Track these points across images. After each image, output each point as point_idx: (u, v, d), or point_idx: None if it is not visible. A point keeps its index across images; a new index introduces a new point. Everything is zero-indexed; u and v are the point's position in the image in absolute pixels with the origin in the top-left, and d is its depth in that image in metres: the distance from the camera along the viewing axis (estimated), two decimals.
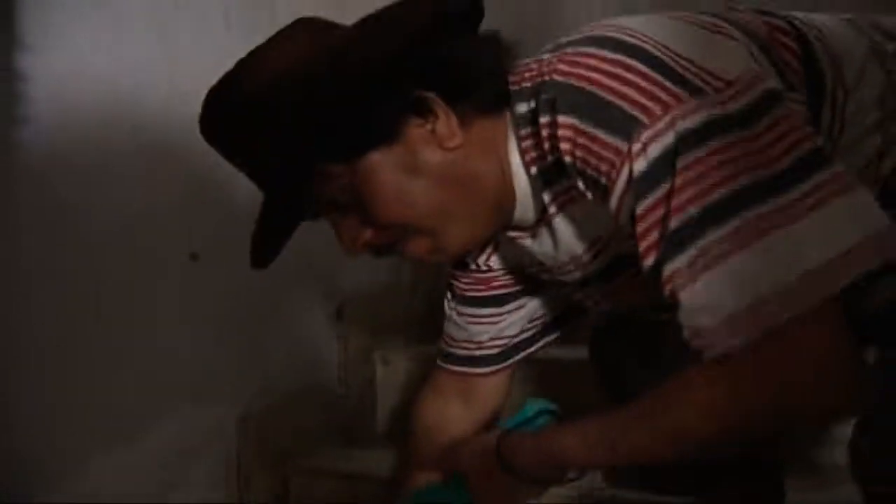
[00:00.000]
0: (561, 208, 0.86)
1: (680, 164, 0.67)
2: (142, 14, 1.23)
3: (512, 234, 0.93)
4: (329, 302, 1.67)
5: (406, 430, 1.18)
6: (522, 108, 0.82)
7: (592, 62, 0.74)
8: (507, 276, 1.05)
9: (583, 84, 0.73)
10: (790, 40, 0.80)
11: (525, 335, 1.09)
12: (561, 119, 0.75)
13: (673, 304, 0.70)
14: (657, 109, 0.69)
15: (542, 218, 0.88)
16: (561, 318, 1.11)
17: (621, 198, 0.72)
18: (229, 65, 0.81)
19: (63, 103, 1.12)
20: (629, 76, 0.71)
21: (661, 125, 0.68)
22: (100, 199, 1.18)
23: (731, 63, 0.72)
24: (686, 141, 0.67)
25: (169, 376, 1.29)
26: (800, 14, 0.85)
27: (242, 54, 0.81)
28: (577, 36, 0.79)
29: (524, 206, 0.88)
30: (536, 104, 0.79)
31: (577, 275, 0.94)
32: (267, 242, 0.87)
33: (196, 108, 0.82)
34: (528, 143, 0.83)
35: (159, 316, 1.28)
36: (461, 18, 0.83)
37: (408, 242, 0.85)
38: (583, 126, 0.73)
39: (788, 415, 0.71)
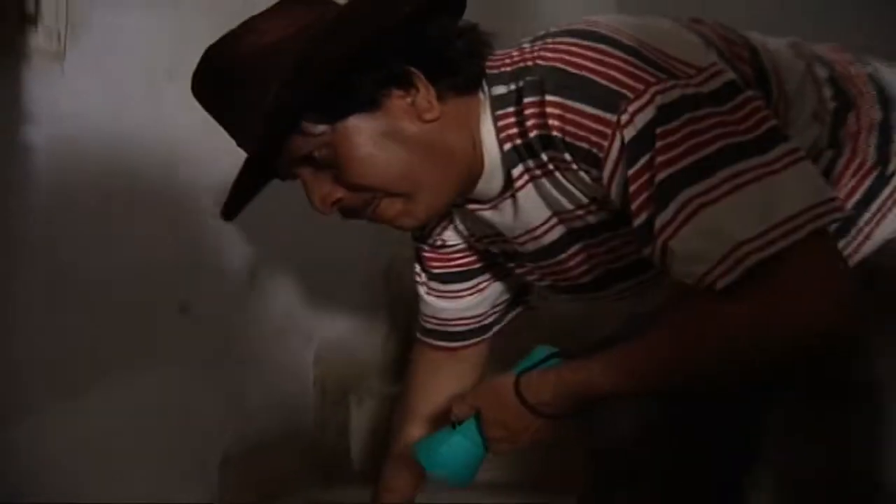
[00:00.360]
0: (530, 182, 0.92)
1: (660, 131, 0.75)
2: (138, 83, 1.30)
3: (471, 206, 0.98)
4: (306, 348, 1.74)
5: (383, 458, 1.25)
6: (501, 90, 0.89)
7: (575, 49, 0.82)
8: (465, 253, 1.12)
9: (567, 67, 0.81)
10: (744, 52, 0.89)
11: (492, 318, 1.17)
12: (549, 98, 0.82)
13: (662, 259, 0.78)
14: (639, 86, 0.77)
15: (507, 191, 0.94)
16: (521, 294, 1.18)
17: (616, 165, 0.79)
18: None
19: (63, 170, 1.20)
20: (610, 60, 0.79)
21: (644, 99, 0.76)
22: (98, 258, 1.25)
23: (698, 56, 0.80)
24: (666, 112, 0.76)
25: (155, 419, 1.34)
26: (752, 33, 0.95)
27: None
28: (556, 29, 0.87)
29: (490, 179, 0.94)
30: (519, 87, 0.86)
31: (529, 247, 0.99)
32: (237, 197, 0.92)
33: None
34: (506, 121, 0.89)
35: (151, 362, 1.35)
36: (447, 6, 0.90)
37: (379, 205, 0.90)
38: (570, 103, 0.80)
39: (769, 346, 0.78)
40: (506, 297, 1.17)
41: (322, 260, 1.36)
